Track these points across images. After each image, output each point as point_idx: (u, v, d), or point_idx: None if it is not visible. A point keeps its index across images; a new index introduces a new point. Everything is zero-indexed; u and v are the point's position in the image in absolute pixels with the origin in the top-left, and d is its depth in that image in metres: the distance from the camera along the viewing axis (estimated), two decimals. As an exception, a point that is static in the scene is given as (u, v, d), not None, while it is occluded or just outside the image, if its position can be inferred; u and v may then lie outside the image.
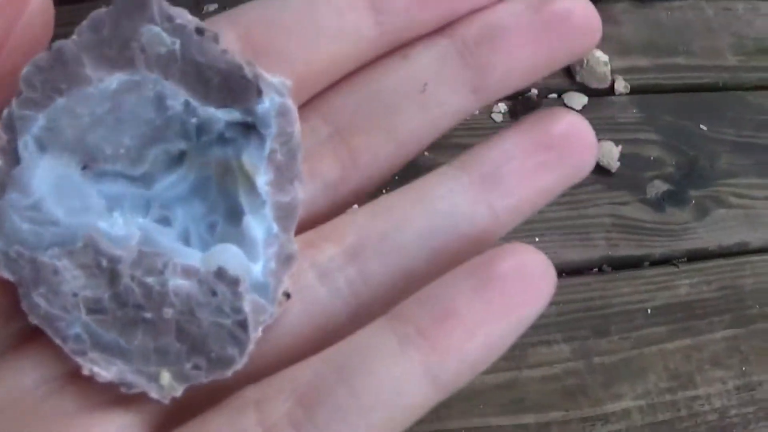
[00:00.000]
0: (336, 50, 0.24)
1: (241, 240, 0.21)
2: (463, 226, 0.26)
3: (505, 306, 0.23)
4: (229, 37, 0.23)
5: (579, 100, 0.90)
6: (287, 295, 0.22)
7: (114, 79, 0.20)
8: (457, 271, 0.23)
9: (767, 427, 0.81)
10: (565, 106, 0.89)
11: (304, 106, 0.25)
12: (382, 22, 0.25)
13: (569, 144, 0.27)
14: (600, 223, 0.85)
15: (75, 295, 0.21)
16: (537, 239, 0.83)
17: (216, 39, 0.21)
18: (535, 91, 0.89)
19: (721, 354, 0.82)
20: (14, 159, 0.20)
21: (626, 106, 0.91)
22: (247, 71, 0.21)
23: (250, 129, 0.21)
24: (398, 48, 0.26)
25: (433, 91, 0.26)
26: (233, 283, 0.21)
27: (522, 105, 0.88)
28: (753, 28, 1.00)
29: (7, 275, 0.21)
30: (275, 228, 0.22)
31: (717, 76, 0.95)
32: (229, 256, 0.21)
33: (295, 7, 0.24)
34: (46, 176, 0.20)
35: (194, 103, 0.21)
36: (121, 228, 0.21)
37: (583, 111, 0.89)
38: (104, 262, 0.20)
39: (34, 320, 0.21)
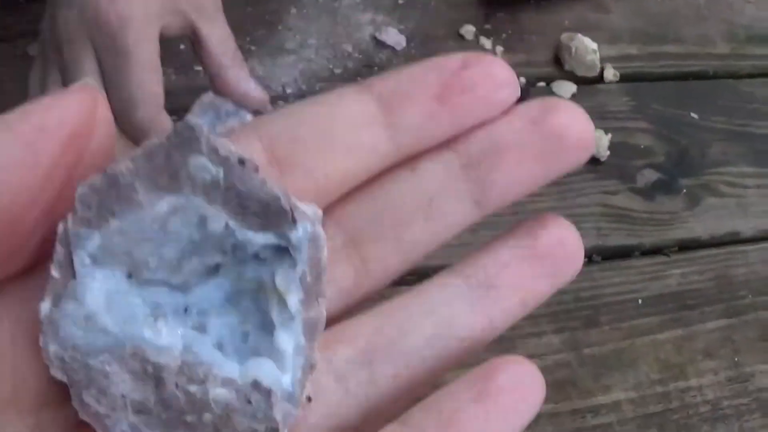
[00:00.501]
0: (352, 164, 0.26)
1: (272, 351, 0.24)
2: (462, 333, 0.28)
3: (502, 416, 0.26)
4: (256, 148, 0.25)
5: (568, 88, 0.88)
6: (309, 399, 0.25)
7: (163, 203, 0.22)
8: (460, 382, 0.26)
9: (761, 419, 0.79)
10: (554, 94, 0.88)
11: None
12: (395, 138, 0.27)
13: (559, 255, 0.29)
14: (589, 212, 0.84)
15: (123, 396, 0.23)
16: (525, 229, 0.81)
17: (256, 169, 0.23)
18: (523, 79, 0.88)
19: (714, 345, 0.81)
20: (69, 272, 0.22)
21: (616, 94, 0.90)
22: (284, 202, 0.23)
23: (283, 252, 0.23)
24: (407, 160, 0.28)
25: (438, 204, 0.28)
26: (267, 394, 0.23)
27: (510, 94, 0.87)
28: (744, 15, 0.99)
29: (61, 377, 0.23)
30: (303, 341, 0.24)
31: (708, 64, 0.94)
32: (263, 368, 0.24)
33: (315, 122, 0.26)
34: (98, 289, 0.23)
35: (233, 225, 0.23)
36: (165, 337, 0.23)
37: (573, 99, 0.88)
38: (150, 369, 0.23)
39: (84, 417, 0.23)
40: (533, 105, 0.28)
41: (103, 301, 0.23)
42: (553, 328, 0.78)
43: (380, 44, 0.87)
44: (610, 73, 0.90)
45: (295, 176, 0.26)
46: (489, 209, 0.29)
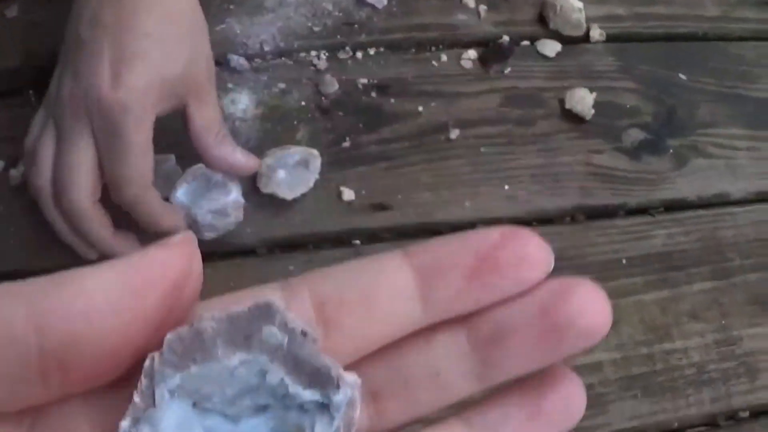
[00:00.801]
0: (388, 331, 0.29)
1: None
2: None
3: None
4: (307, 305, 0.29)
5: (552, 47, 0.86)
6: None
7: (236, 358, 0.27)
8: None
9: (748, 383, 0.77)
10: (538, 53, 0.86)
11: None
12: (427, 310, 0.29)
13: (563, 413, 0.30)
14: (573, 171, 0.81)
15: None
16: (507, 186, 0.79)
17: (315, 341, 0.27)
18: (507, 38, 0.85)
19: (700, 307, 0.78)
20: (150, 401, 0.26)
21: (602, 54, 0.87)
22: (333, 372, 0.27)
23: (324, 407, 0.27)
24: (426, 329, 0.30)
25: (444, 377, 0.30)
26: None
27: (493, 52, 0.84)
28: (735, -21, 0.96)
29: None
30: None
31: (697, 26, 0.92)
32: None
33: (360, 288, 0.29)
34: (171, 418, 0.27)
35: (287, 381, 0.27)
36: None
37: (557, 58, 0.86)
38: None
39: None
40: (549, 287, 0.29)
41: (174, 428, 0.27)
42: (533, 286, 0.76)
43: (361, 2, 0.85)
44: (596, 33, 0.88)
45: (337, 335, 0.28)
46: (490, 384, 0.30)
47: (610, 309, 0.28)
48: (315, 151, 0.74)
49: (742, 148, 0.86)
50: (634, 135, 0.84)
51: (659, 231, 0.81)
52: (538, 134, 0.82)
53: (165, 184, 0.70)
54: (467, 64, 0.84)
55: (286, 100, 0.79)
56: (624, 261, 0.78)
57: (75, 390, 0.26)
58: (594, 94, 0.83)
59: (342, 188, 0.76)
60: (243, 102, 0.78)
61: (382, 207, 0.76)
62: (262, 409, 0.28)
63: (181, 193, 0.69)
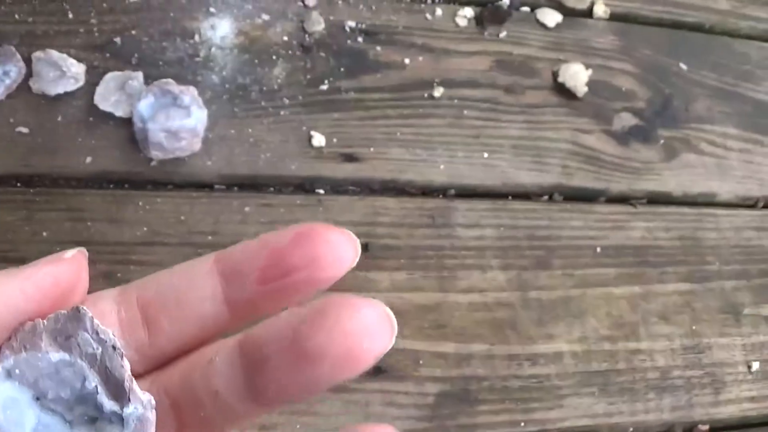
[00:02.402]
0: (199, 331, 0.31)
1: None
2: None
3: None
4: (135, 308, 0.31)
5: (553, 17, 0.81)
6: None
7: (57, 355, 0.30)
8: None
9: (712, 395, 0.73)
10: (537, 21, 0.81)
11: (159, 372, 0.32)
12: (232, 313, 0.30)
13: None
14: (557, 148, 0.77)
15: None
16: (486, 154, 0.74)
17: (122, 356, 0.29)
18: (506, 0, 0.81)
19: (671, 309, 0.75)
20: None
21: (603, 31, 0.83)
22: (127, 385, 0.29)
23: (121, 420, 0.29)
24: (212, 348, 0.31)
25: (223, 398, 0.30)
26: None
27: (490, 13, 0.80)
28: (750, -25, 0.92)
29: None
30: None
31: (705, 17, 0.87)
32: None
33: (176, 291, 0.31)
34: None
35: (99, 389, 0.29)
36: None
37: (556, 29, 0.81)
38: None
39: None
40: (311, 306, 0.28)
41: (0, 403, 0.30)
42: (500, 263, 0.71)
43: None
44: (600, 9, 0.83)
45: (159, 336, 0.31)
46: (269, 406, 0.30)
47: (384, 329, 0.27)
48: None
49: (734, 149, 0.82)
50: (626, 119, 0.80)
51: (639, 223, 0.76)
52: (526, 105, 0.77)
53: (130, 102, 0.67)
54: (462, 21, 0.79)
55: (268, 33, 0.74)
56: (598, 249, 0.74)
57: None
58: (589, 72, 0.79)
59: (313, 132, 0.71)
60: (223, 29, 0.73)
61: (351, 158, 0.71)
62: (93, 420, 0.30)
63: (142, 105, 0.65)
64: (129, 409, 0.29)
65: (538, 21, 0.81)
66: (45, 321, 0.30)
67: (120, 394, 0.29)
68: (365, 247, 0.69)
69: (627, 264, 0.75)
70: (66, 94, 0.68)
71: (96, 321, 0.30)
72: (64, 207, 0.65)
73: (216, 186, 0.69)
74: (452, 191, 0.73)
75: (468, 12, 0.80)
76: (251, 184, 0.69)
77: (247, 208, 0.68)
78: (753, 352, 0.75)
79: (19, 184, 0.66)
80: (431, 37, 0.78)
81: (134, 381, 0.30)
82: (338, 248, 0.28)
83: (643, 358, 0.72)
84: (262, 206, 0.68)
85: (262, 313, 0.30)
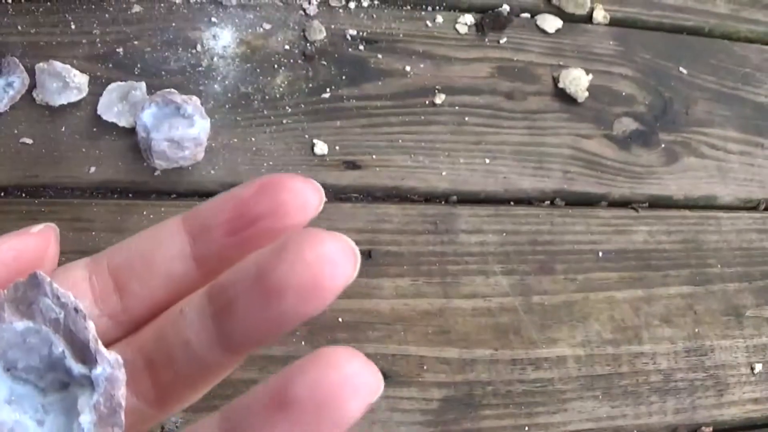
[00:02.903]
0: (168, 291, 0.31)
1: None
2: None
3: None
4: (106, 275, 0.31)
5: (553, 22, 0.82)
6: None
7: (20, 324, 0.29)
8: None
9: (715, 397, 0.73)
10: (537, 27, 0.81)
11: (134, 334, 0.32)
12: (201, 269, 0.30)
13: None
14: (559, 153, 0.77)
15: None
16: (488, 160, 0.75)
17: (85, 318, 0.29)
18: (507, 7, 0.81)
19: (674, 312, 0.75)
20: None
21: (603, 36, 0.83)
22: (92, 346, 0.29)
23: (90, 382, 0.29)
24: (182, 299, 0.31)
25: (193, 348, 0.30)
26: None
27: (491, 19, 0.80)
28: (749, -21, 0.92)
29: None
30: None
31: (704, 21, 0.88)
32: None
33: (144, 254, 0.31)
34: None
35: (67, 353, 0.29)
36: (2, 414, 0.30)
37: (556, 35, 0.82)
38: None
39: None
40: (272, 245, 0.28)
41: None
42: (502, 269, 0.72)
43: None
44: (599, 15, 0.83)
45: (129, 299, 0.31)
46: (238, 352, 0.30)
47: (347, 259, 0.27)
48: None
49: (735, 152, 0.82)
50: (626, 124, 0.80)
51: (641, 227, 0.77)
52: (527, 111, 0.78)
53: (133, 112, 0.68)
54: (462, 28, 0.79)
55: (269, 42, 0.74)
56: (600, 254, 0.75)
57: None
58: (590, 77, 0.79)
59: (315, 140, 0.71)
60: (225, 38, 0.74)
61: (354, 165, 0.72)
62: (65, 385, 0.30)
63: (146, 115, 0.66)
64: (97, 371, 0.29)
65: (538, 27, 0.82)
66: (5, 291, 0.30)
67: (87, 356, 0.29)
68: (368, 254, 0.69)
69: (629, 268, 0.75)
70: (69, 104, 0.68)
71: (55, 285, 0.30)
72: (69, 217, 0.65)
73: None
74: (454, 197, 0.74)
75: (468, 19, 0.80)
76: (254, 193, 0.70)
77: (250, 217, 0.68)
78: (756, 354, 0.76)
79: (23, 195, 0.66)
80: (432, 44, 0.78)
81: (99, 342, 0.30)
82: (302, 195, 0.29)
83: (646, 361, 0.73)
84: (265, 214, 0.68)
85: (230, 267, 0.30)
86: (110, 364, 0.29)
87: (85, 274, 0.31)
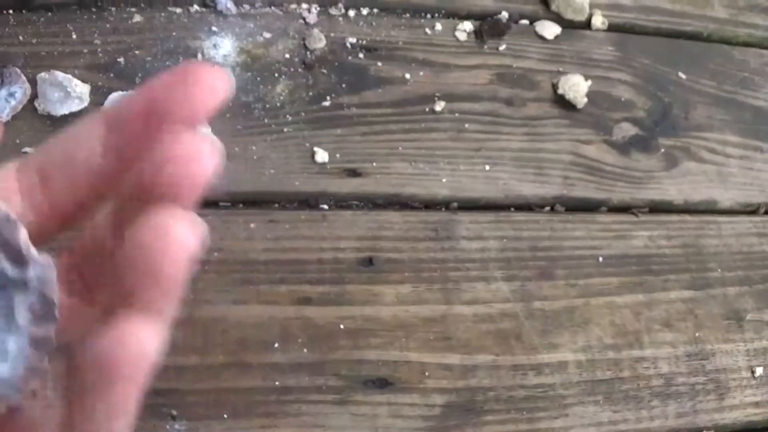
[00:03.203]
0: (88, 183, 0.32)
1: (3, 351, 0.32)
2: None
3: None
4: (33, 173, 0.32)
5: (551, 29, 0.82)
6: (33, 393, 0.32)
7: None
8: None
9: (716, 401, 0.73)
10: (536, 34, 0.82)
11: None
12: (119, 160, 0.31)
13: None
14: (558, 159, 0.77)
15: None
16: (488, 167, 0.75)
17: (16, 226, 0.30)
18: (505, 14, 0.81)
19: (675, 316, 0.75)
20: None
21: (602, 42, 0.84)
22: (24, 250, 0.30)
23: (24, 284, 0.31)
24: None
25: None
26: None
27: (490, 26, 0.80)
28: (746, -17, 0.93)
29: None
30: (28, 350, 0.31)
31: (703, 26, 0.88)
32: None
33: (65, 150, 0.32)
34: None
35: (2, 258, 0.30)
36: None
37: (555, 41, 0.82)
38: None
39: None
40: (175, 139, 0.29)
41: None
42: (503, 275, 0.72)
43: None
44: (598, 21, 0.84)
45: (56, 194, 0.32)
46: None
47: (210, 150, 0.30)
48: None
49: (734, 156, 0.83)
50: (626, 129, 0.80)
51: (641, 232, 0.77)
52: (527, 117, 0.78)
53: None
54: (461, 36, 0.80)
55: (269, 51, 0.75)
56: (600, 259, 0.75)
57: None
58: (589, 83, 0.80)
59: (316, 148, 0.72)
60: (225, 47, 0.74)
61: (355, 173, 0.72)
62: (3, 287, 0.31)
63: None
64: (30, 273, 0.31)
65: (537, 33, 0.82)
66: None
67: (20, 260, 0.31)
68: (370, 261, 0.70)
69: (630, 273, 0.75)
70: (71, 114, 0.69)
71: None
72: (72, 227, 0.66)
73: (221, 203, 0.70)
74: (455, 204, 0.74)
75: (467, 26, 0.80)
76: (256, 201, 0.70)
77: (252, 225, 0.68)
78: (756, 358, 0.76)
79: (26, 205, 0.66)
80: (431, 51, 0.79)
81: (31, 246, 0.31)
82: (209, 82, 0.30)
83: (647, 365, 0.73)
84: (267, 222, 0.69)
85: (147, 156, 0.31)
86: (42, 266, 0.31)
87: (14, 174, 0.32)
